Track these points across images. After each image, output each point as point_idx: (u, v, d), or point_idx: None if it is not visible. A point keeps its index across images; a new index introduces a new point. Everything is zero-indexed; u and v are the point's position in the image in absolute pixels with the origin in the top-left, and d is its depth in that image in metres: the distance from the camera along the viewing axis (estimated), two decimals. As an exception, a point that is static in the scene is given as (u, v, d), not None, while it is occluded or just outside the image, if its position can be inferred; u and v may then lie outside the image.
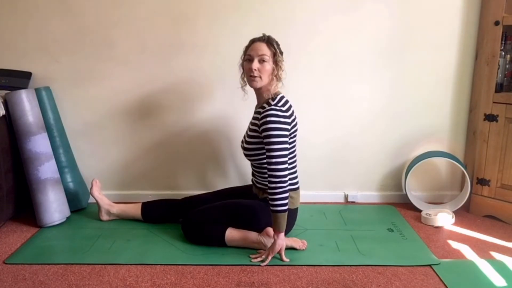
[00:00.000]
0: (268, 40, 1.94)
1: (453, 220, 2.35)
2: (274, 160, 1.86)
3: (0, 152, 2.17)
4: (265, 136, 1.88)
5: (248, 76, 1.96)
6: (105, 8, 2.39)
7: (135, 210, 2.31)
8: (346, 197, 2.64)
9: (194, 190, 2.58)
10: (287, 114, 1.93)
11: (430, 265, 1.90)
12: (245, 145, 2.05)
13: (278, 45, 1.97)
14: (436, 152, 2.53)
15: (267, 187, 1.89)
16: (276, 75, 1.95)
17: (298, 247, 2.02)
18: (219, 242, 2.02)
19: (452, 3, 2.40)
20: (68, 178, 2.44)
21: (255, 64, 1.91)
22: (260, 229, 2.02)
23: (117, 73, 2.48)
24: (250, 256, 1.95)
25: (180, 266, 1.89)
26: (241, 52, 2.02)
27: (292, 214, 2.04)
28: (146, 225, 2.28)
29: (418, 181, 2.63)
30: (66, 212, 2.34)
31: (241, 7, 2.39)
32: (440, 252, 2.03)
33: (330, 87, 2.50)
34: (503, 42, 2.30)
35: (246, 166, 2.48)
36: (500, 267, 1.89)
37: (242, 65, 2.02)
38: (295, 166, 2.05)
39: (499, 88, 2.35)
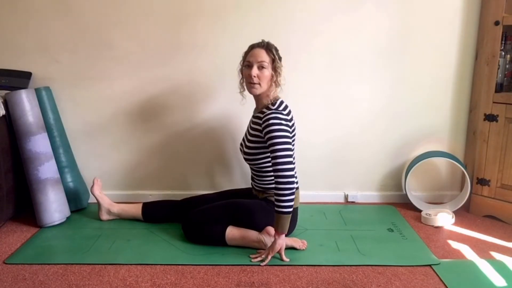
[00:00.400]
0: (267, 47, 1.94)
1: (453, 220, 2.35)
2: (280, 160, 1.85)
3: (0, 152, 2.17)
4: (269, 139, 1.88)
5: (247, 83, 1.96)
6: (105, 8, 2.39)
7: (135, 209, 2.31)
8: (346, 197, 2.64)
9: (196, 190, 2.58)
10: (288, 118, 1.95)
11: (430, 265, 1.90)
12: (245, 149, 2.05)
13: (277, 51, 1.96)
14: (436, 152, 2.53)
15: (274, 189, 1.87)
16: (275, 81, 1.95)
17: (298, 247, 2.02)
18: (219, 241, 2.02)
19: (452, 3, 2.40)
20: (68, 178, 2.44)
21: (255, 71, 1.91)
22: (260, 229, 2.01)
23: (117, 73, 2.48)
24: (250, 256, 1.95)
25: (180, 266, 1.89)
26: (241, 52, 2.02)
27: (293, 214, 2.03)
28: (146, 225, 2.28)
29: (418, 181, 2.63)
30: (66, 212, 2.34)
31: (241, 7, 2.39)
32: (440, 252, 2.03)
33: (330, 87, 2.50)
34: (503, 42, 2.30)
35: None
36: (500, 267, 1.89)
37: (241, 71, 2.02)
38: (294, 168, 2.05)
39: (499, 88, 2.35)
